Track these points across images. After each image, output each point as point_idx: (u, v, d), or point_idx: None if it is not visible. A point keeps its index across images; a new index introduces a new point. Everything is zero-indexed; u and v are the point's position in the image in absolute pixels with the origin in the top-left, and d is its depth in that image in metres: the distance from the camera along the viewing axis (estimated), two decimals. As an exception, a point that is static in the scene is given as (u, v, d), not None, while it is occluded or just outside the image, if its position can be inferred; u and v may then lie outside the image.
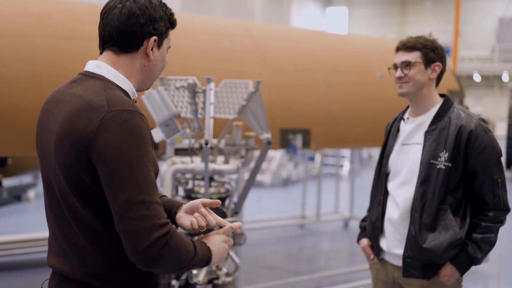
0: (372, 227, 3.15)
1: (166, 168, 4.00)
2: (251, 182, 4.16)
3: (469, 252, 2.82)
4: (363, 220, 3.36)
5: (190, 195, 3.99)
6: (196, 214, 1.93)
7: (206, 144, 3.63)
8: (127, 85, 1.86)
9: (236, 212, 4.07)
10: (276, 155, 13.79)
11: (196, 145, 3.91)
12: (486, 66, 27.24)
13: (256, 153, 4.30)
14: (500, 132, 27.14)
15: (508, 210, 2.85)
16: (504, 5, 28.54)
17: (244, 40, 5.76)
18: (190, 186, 4.06)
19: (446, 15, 29.77)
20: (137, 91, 1.92)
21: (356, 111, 6.09)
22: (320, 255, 7.76)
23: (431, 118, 2.95)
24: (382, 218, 3.09)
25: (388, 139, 3.16)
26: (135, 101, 1.88)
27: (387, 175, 3.10)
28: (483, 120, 2.91)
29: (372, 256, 3.18)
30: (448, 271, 2.85)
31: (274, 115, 5.31)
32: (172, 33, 1.97)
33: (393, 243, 3.01)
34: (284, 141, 5.42)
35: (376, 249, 3.13)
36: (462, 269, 2.85)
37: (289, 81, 5.71)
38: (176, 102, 4.04)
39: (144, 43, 1.84)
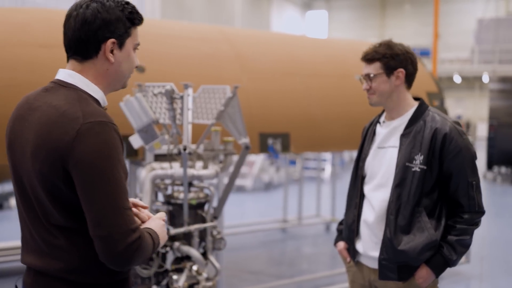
0: (348, 230, 3.17)
1: (145, 174, 4.01)
2: (230, 187, 4.18)
3: (444, 254, 2.84)
4: (340, 223, 3.37)
5: (169, 201, 4.01)
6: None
7: (185, 149, 3.64)
8: (99, 94, 1.92)
9: (215, 217, 4.08)
10: (257, 159, 13.79)
11: (175, 151, 3.93)
12: (466, 68, 27.45)
13: (235, 158, 4.31)
14: (481, 133, 27.36)
15: (482, 213, 2.88)
16: (482, 7, 28.84)
17: (222, 46, 5.78)
18: (169, 191, 4.07)
19: (425, 17, 30.02)
20: (110, 92, 1.99)
21: (336, 114, 6.12)
22: (302, 259, 7.77)
23: (406, 121, 2.97)
24: (358, 221, 3.10)
25: (364, 143, 3.18)
26: (106, 109, 1.95)
27: (363, 178, 3.12)
28: (458, 123, 2.94)
29: (348, 259, 3.19)
30: (423, 273, 2.87)
31: (253, 120, 5.33)
32: (142, 34, 2.00)
33: (369, 246, 3.03)
34: (263, 145, 5.44)
35: (352, 252, 3.15)
36: (437, 271, 2.87)
37: (268, 86, 5.73)
38: (154, 108, 4.05)
39: (101, 47, 1.88)
